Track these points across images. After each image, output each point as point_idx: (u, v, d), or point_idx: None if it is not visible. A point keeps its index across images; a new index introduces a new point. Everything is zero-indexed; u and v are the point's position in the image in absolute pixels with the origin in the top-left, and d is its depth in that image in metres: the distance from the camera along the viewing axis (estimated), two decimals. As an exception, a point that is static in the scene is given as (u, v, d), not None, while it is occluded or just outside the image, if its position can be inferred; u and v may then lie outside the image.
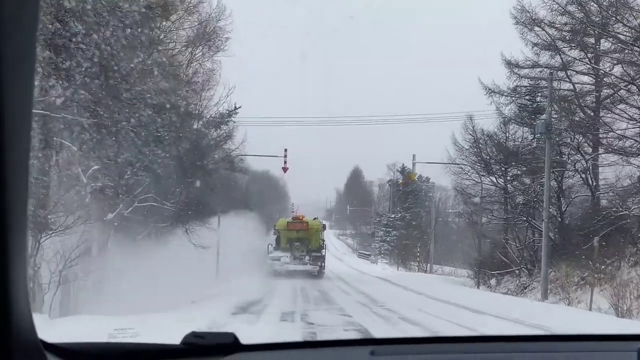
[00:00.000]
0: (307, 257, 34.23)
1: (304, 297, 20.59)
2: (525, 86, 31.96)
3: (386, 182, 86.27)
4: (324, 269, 35.02)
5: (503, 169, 34.94)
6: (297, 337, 10.58)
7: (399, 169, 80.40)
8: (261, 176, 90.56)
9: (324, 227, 38.65)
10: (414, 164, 30.34)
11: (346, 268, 48.13)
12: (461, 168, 35.51)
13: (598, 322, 15.16)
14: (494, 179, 35.38)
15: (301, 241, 35.07)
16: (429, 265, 49.64)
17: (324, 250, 35.93)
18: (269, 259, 34.29)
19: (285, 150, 30.10)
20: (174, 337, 2.16)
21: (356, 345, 2.75)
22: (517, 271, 34.13)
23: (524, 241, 33.12)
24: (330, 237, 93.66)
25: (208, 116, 35.82)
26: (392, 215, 77.13)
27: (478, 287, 31.88)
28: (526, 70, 35.21)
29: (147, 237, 28.95)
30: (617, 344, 2.63)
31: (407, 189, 79.29)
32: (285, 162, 29.54)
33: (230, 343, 2.15)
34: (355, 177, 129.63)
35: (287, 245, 34.84)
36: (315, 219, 40.19)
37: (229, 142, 37.63)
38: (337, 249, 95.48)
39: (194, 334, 2.13)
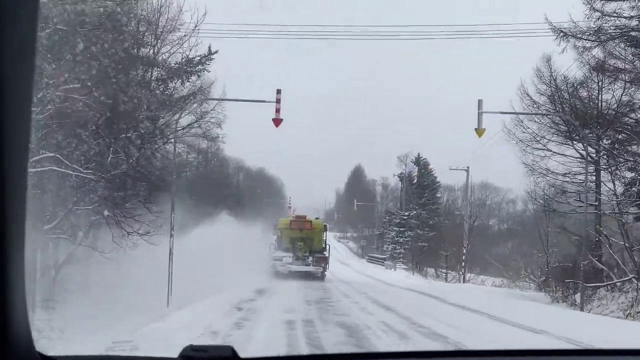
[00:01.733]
0: (310, 258, 31.98)
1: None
2: None
3: (396, 177, 75.06)
4: (326, 270, 32.64)
5: (598, 132, 23.82)
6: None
7: (413, 160, 69.33)
8: (256, 175, 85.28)
9: (325, 227, 36.08)
10: (480, 114, 19.12)
11: (359, 276, 37.27)
12: (534, 135, 24.43)
13: None
14: (580, 147, 24.28)
15: (304, 241, 32.71)
16: (461, 273, 38.36)
17: (326, 252, 33.79)
18: (271, 260, 32.18)
19: (278, 92, 18.92)
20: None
21: (358, 359, 2.62)
22: (619, 283, 23.12)
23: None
24: (330, 240, 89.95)
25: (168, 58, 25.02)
26: (406, 213, 65.96)
27: (582, 309, 20.62)
28: (613, 5, 24.67)
29: (62, 226, 18.34)
30: None
31: (424, 181, 68.20)
32: (277, 111, 18.67)
33: (228, 356, 2.07)
34: (357, 176, 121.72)
35: (289, 245, 32.54)
36: (317, 218, 38.00)
37: (205, 104, 26.61)
38: (339, 252, 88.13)
39: (192, 347, 2.03)
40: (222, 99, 22.97)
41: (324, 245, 33.95)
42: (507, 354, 2.41)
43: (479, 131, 19.35)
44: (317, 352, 9.52)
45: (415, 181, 70.74)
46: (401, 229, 66.61)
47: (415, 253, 62.07)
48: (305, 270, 30.94)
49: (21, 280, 1.23)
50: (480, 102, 19.34)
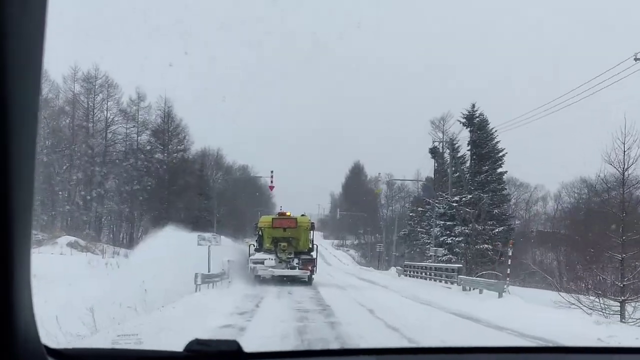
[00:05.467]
0: (295, 260, 28.74)
1: None
2: None
3: (435, 144, 50.35)
4: (314, 274, 29.24)
5: None
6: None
7: (465, 117, 44.76)
8: (241, 175, 76.48)
9: (312, 225, 31.49)
10: None
11: (457, 322, 12.83)
12: None
13: None
14: None
15: (288, 241, 29.28)
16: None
17: (314, 253, 30.14)
18: (251, 262, 28.79)
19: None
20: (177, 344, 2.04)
21: (360, 354, 2.67)
22: None
23: None
24: (329, 248, 78.38)
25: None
26: (455, 199, 41.52)
27: None
28: None
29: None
30: (623, 357, 2.47)
31: (482, 150, 43.68)
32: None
33: (233, 350, 2.10)
34: (356, 175, 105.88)
35: (271, 246, 29.39)
36: (303, 215, 33.47)
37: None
38: (344, 262, 67.26)
39: (198, 341, 2.07)
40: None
41: (311, 246, 30.41)
42: (476, 351, 2.42)
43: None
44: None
45: (461, 153, 46.42)
46: (448, 223, 42.06)
47: (470, 259, 38.14)
48: (289, 275, 28.07)
49: (27, 275, 1.22)
50: None
